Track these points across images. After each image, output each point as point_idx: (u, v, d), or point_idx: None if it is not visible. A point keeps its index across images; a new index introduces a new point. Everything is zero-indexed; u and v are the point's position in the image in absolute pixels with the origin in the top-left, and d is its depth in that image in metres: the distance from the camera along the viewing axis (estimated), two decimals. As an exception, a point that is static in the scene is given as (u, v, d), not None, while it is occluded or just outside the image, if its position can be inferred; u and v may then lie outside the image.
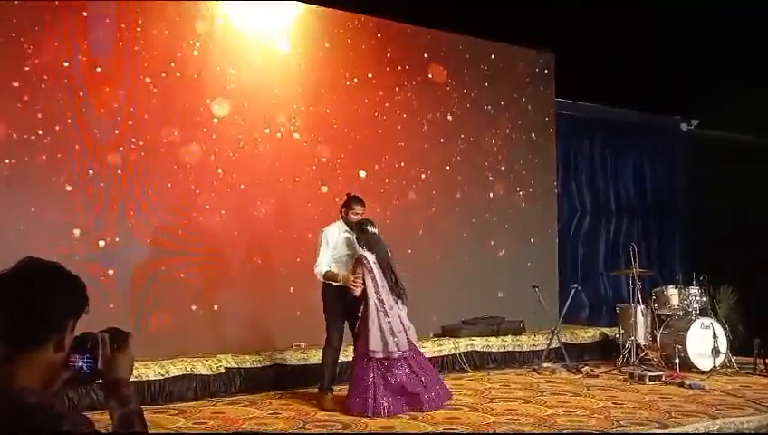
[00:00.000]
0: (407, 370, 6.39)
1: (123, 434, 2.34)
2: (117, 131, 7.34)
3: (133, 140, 7.42)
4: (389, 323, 6.37)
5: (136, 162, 7.42)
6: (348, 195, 6.93)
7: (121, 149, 7.35)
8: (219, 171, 7.91)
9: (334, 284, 6.62)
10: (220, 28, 8.01)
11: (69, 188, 7.07)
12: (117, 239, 7.31)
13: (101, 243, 7.21)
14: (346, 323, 6.75)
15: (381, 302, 6.41)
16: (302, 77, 8.55)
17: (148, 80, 7.51)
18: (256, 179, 8.15)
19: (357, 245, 6.67)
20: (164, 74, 7.61)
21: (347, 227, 6.77)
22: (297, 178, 8.34)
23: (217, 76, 7.96)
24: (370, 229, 6.61)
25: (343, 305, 6.64)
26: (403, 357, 6.39)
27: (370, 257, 6.49)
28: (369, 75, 9.00)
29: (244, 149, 8.07)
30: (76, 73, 7.12)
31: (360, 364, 6.39)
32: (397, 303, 6.51)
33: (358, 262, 6.50)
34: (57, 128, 7.02)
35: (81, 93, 7.15)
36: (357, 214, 6.72)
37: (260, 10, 8.28)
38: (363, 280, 6.42)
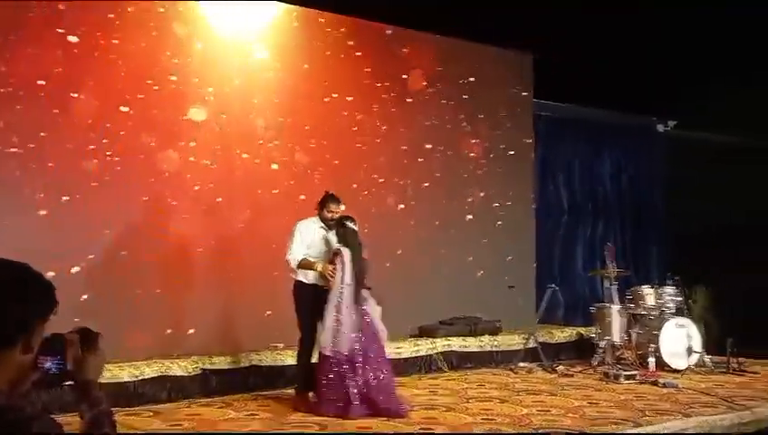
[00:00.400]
0: (369, 375, 6.28)
1: None
2: (92, 147, 7.31)
3: (108, 153, 7.38)
4: (342, 321, 6.29)
5: (112, 173, 7.39)
6: (326, 192, 6.93)
7: (95, 161, 7.32)
8: (196, 187, 7.91)
9: (307, 279, 6.65)
10: (198, 38, 7.97)
11: (43, 202, 7.01)
12: (93, 247, 7.27)
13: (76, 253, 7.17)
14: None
15: (340, 299, 6.35)
16: (281, 86, 8.53)
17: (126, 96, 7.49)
18: (233, 189, 8.15)
19: (333, 240, 6.68)
20: (141, 95, 7.58)
21: (322, 224, 6.78)
22: (275, 191, 8.32)
23: (195, 87, 7.92)
24: (350, 225, 6.62)
25: (316, 304, 6.59)
26: (362, 360, 6.29)
27: (347, 254, 6.47)
28: (346, 80, 9.00)
29: (221, 160, 8.05)
30: (51, 87, 7.09)
31: (320, 363, 6.35)
32: (363, 302, 6.45)
33: (336, 254, 6.50)
34: (32, 146, 6.98)
35: (55, 111, 7.11)
36: (332, 212, 6.75)
37: (237, 19, 8.24)
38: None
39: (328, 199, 6.81)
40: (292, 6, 8.65)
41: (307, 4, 8.70)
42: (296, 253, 6.64)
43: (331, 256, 6.57)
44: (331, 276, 6.41)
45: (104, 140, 7.35)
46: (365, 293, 6.50)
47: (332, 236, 6.79)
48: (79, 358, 2.30)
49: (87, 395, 2.35)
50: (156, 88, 7.66)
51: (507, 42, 10.25)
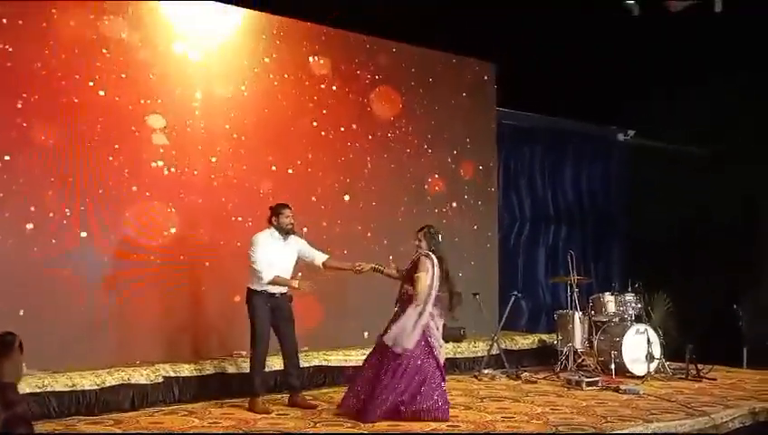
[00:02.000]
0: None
1: None
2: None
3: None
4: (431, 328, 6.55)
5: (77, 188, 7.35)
6: (270, 207, 7.00)
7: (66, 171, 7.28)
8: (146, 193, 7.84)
9: (259, 286, 6.74)
10: (156, 41, 7.93)
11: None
12: (65, 247, 7.25)
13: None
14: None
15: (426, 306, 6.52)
16: (244, 94, 8.52)
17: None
18: (204, 195, 8.14)
19: (303, 249, 6.86)
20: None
21: (279, 234, 6.86)
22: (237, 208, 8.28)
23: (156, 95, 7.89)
24: (440, 238, 6.79)
25: (272, 310, 6.80)
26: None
27: (435, 261, 6.61)
28: (306, 83, 8.99)
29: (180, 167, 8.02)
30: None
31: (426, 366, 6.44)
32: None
33: (427, 257, 6.60)
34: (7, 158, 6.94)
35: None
36: (288, 217, 6.88)
37: (197, 28, 8.20)
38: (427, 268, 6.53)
39: (279, 207, 6.94)
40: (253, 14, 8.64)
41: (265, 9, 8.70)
42: (264, 265, 6.70)
43: (414, 261, 6.68)
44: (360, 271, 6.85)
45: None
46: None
47: (299, 245, 6.89)
48: None
49: (2, 397, 2.34)
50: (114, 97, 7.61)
51: (470, 50, 10.34)
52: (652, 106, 11.05)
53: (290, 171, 8.77)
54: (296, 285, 6.73)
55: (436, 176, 10.16)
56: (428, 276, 6.51)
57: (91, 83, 7.44)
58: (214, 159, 8.21)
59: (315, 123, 9.01)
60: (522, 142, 11.99)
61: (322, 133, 9.09)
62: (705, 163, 12.04)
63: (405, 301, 6.62)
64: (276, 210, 6.92)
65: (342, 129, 9.26)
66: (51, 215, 7.19)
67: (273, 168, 8.65)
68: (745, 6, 9.09)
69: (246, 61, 8.53)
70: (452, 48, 10.22)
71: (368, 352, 6.87)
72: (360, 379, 6.57)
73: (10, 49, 7.00)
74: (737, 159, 11.30)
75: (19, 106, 7.03)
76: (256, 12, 8.61)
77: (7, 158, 6.96)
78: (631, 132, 13.07)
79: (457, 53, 10.38)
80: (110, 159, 7.53)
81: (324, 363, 8.15)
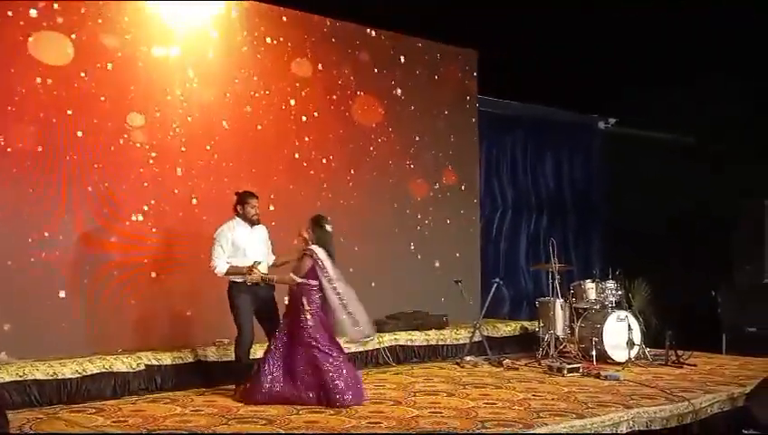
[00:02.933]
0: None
1: None
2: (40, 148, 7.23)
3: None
4: (353, 312, 6.56)
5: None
6: (237, 193, 6.97)
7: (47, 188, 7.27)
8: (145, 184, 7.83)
9: (238, 280, 6.71)
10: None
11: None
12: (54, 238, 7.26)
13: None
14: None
15: (339, 294, 6.54)
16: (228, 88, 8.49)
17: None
18: (185, 183, 8.13)
19: (264, 236, 6.83)
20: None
21: (243, 223, 6.85)
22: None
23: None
24: (328, 227, 6.72)
25: (255, 301, 6.80)
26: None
27: (321, 253, 6.55)
28: (285, 76, 8.96)
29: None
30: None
31: (329, 358, 6.46)
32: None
33: (306, 256, 6.56)
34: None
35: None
36: (254, 207, 6.87)
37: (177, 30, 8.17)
38: (313, 274, 6.51)
39: (246, 196, 6.91)
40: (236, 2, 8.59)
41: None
42: (219, 261, 6.75)
43: (301, 256, 6.62)
44: (253, 281, 6.62)
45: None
46: None
47: (266, 235, 6.93)
48: None
49: None
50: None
51: (452, 38, 10.33)
52: (633, 94, 11.10)
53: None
54: (245, 273, 6.66)
55: (418, 164, 10.16)
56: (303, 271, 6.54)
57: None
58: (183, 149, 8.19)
59: (301, 109, 8.99)
60: (503, 130, 12.02)
61: (303, 118, 9.09)
62: (686, 151, 12.14)
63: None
64: (242, 199, 6.88)
65: (330, 120, 9.25)
66: (32, 196, 7.18)
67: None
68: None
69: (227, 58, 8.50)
70: (434, 35, 10.21)
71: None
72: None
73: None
74: (717, 148, 11.41)
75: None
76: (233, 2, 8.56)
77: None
78: (612, 120, 13.14)
79: (438, 41, 10.37)
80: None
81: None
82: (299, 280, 6.53)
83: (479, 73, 10.89)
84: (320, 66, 9.20)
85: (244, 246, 6.81)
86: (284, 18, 8.95)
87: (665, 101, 10.94)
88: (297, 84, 9.00)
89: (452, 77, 10.62)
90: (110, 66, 7.65)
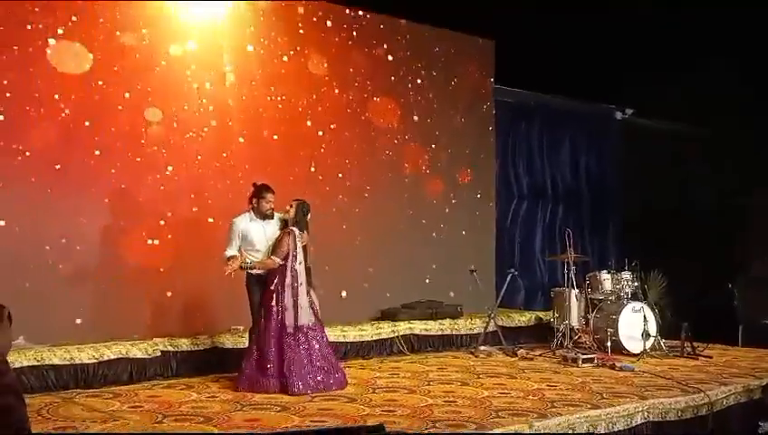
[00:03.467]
0: (315, 345, 6.57)
1: None
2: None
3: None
4: (298, 297, 6.51)
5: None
6: (254, 184, 6.93)
7: (58, 167, 7.31)
8: (169, 168, 7.94)
9: (255, 271, 6.71)
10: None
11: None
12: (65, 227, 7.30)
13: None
14: None
15: (295, 277, 6.52)
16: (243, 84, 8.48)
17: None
18: (201, 172, 8.17)
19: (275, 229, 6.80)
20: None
21: (256, 217, 6.82)
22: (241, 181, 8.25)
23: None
24: (308, 218, 6.77)
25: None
26: (308, 332, 6.56)
27: (297, 234, 6.61)
28: (303, 59, 8.96)
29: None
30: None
31: (279, 341, 6.45)
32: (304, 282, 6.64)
33: (287, 234, 6.57)
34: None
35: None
36: (269, 202, 6.81)
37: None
38: (283, 252, 6.52)
39: (262, 190, 6.85)
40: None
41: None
42: (227, 250, 6.75)
43: (281, 236, 6.62)
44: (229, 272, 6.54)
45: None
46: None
47: (274, 227, 6.85)
48: None
49: None
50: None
51: (469, 27, 10.29)
52: (651, 84, 11.02)
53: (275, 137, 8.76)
54: (226, 269, 6.61)
55: (434, 153, 10.15)
56: (281, 260, 6.53)
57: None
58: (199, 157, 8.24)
59: (317, 102, 8.98)
60: (520, 120, 11.96)
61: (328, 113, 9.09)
62: (702, 142, 12.05)
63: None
64: (258, 192, 6.84)
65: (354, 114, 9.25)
66: (49, 191, 7.23)
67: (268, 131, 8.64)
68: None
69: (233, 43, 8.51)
70: (450, 25, 10.17)
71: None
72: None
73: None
74: (734, 138, 11.32)
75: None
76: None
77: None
78: (629, 111, 13.05)
79: (456, 30, 10.33)
80: (112, 132, 7.53)
81: (341, 339, 8.22)
82: (280, 262, 6.53)
83: (496, 63, 10.85)
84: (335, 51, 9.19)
85: (255, 240, 6.78)
86: (301, 10, 8.94)
87: (683, 91, 10.85)
88: (312, 78, 9.01)
89: (468, 67, 10.58)
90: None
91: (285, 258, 6.54)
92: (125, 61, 7.68)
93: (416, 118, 9.97)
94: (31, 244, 7.09)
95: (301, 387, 6.36)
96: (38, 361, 6.42)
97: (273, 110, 8.69)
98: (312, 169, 8.92)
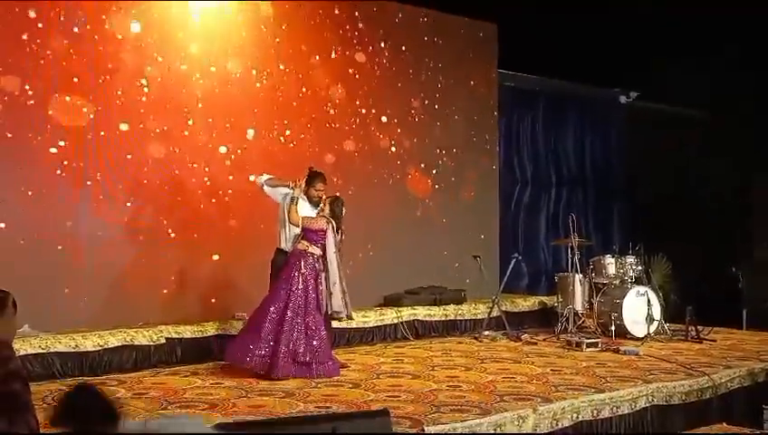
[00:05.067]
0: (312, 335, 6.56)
1: (1, 394, 2.32)
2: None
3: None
4: (327, 284, 6.60)
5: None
6: (310, 169, 6.90)
7: (67, 163, 7.32)
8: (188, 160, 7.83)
9: (286, 247, 6.75)
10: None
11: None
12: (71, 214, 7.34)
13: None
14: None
15: (325, 266, 6.61)
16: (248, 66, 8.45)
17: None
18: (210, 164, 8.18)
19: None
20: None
21: (307, 200, 6.81)
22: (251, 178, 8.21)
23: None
24: (343, 211, 6.79)
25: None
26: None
27: (333, 226, 6.67)
28: (303, 48, 8.91)
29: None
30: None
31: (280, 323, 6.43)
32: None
33: (323, 218, 6.64)
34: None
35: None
36: (318, 190, 6.81)
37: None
38: (320, 239, 6.59)
39: (314, 178, 6.82)
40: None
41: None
42: (267, 179, 6.84)
43: (319, 218, 6.66)
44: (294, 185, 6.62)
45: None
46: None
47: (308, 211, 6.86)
48: None
49: None
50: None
51: (471, 11, 10.23)
52: (655, 68, 10.97)
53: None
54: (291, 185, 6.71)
55: (438, 138, 10.12)
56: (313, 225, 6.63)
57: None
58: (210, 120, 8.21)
59: (323, 87, 8.96)
60: (523, 104, 11.93)
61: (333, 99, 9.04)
62: (706, 127, 12.01)
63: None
64: (310, 179, 6.81)
65: (357, 100, 9.22)
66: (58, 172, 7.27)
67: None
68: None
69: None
70: (452, 8, 10.12)
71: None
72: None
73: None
74: (738, 123, 11.27)
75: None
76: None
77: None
78: (633, 94, 13.00)
79: (458, 14, 10.28)
80: (121, 129, 7.53)
81: (345, 325, 8.20)
82: (300, 224, 6.57)
83: (499, 47, 10.80)
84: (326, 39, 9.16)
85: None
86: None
87: (688, 76, 10.81)
88: (314, 65, 8.98)
89: (472, 51, 10.53)
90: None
91: (319, 243, 6.58)
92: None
93: (418, 103, 9.93)
94: (36, 230, 7.10)
95: (281, 374, 6.31)
96: (43, 348, 6.44)
97: (283, 98, 8.68)
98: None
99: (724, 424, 6.50)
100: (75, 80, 7.34)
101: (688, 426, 6.31)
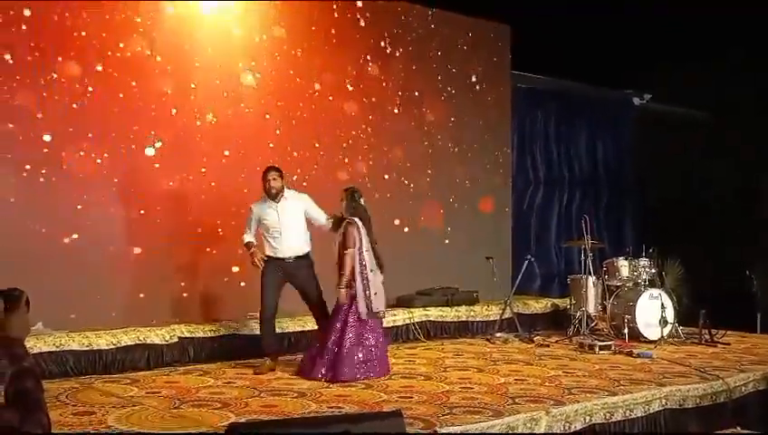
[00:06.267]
0: (376, 334, 6.61)
1: (14, 391, 2.34)
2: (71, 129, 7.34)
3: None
4: (371, 285, 6.54)
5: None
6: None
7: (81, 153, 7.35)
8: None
9: (270, 252, 6.79)
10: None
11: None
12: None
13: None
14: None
15: (364, 266, 6.55)
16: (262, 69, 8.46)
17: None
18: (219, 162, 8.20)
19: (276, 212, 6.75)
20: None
21: (268, 199, 6.80)
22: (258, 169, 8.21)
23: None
24: (362, 201, 6.74)
25: (276, 276, 6.77)
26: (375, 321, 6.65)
27: (360, 223, 6.62)
28: (313, 43, 8.93)
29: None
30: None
31: (345, 329, 6.47)
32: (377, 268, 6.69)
33: (349, 224, 6.58)
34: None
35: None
36: (269, 181, 6.74)
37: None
38: (354, 242, 6.53)
39: (265, 172, 6.82)
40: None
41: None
42: (245, 235, 6.87)
43: (346, 228, 6.60)
44: (254, 264, 6.71)
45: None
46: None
47: (302, 204, 6.85)
48: (2, 317, 2.33)
49: (8, 352, 2.37)
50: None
51: (485, 12, 10.22)
52: (670, 69, 10.92)
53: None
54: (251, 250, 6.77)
55: (450, 140, 10.11)
56: (355, 250, 6.55)
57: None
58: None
59: (333, 94, 8.97)
60: (536, 106, 11.90)
61: (330, 98, 9.06)
62: (720, 129, 11.94)
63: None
64: (263, 176, 6.82)
65: (365, 96, 9.23)
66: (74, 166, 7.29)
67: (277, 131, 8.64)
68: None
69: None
70: (466, 9, 10.11)
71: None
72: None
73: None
74: (750, 126, 11.22)
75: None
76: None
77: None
78: (647, 96, 12.95)
79: (471, 15, 10.26)
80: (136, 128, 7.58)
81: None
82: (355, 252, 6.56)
83: (512, 48, 10.78)
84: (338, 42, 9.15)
85: (270, 222, 6.78)
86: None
87: (702, 77, 10.76)
88: (324, 68, 8.98)
89: (485, 52, 10.51)
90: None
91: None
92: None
93: (431, 105, 9.91)
94: (48, 228, 7.13)
95: (346, 373, 6.35)
96: (57, 346, 6.46)
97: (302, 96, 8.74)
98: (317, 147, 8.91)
99: (739, 428, 6.47)
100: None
101: (702, 430, 6.27)
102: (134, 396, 5.78)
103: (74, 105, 7.29)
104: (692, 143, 11.94)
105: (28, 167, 7.06)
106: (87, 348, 6.61)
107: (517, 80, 11.14)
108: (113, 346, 6.74)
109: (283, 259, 6.79)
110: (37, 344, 6.35)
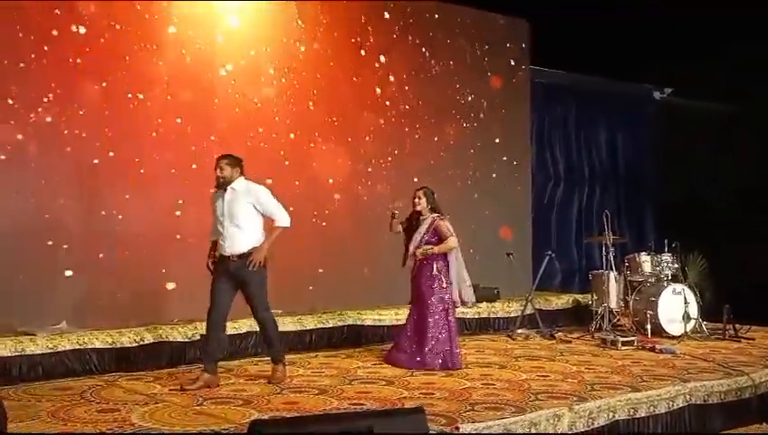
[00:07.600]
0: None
1: None
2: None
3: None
4: (466, 276, 7.09)
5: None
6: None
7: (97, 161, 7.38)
8: (197, 147, 7.87)
9: (222, 253, 6.14)
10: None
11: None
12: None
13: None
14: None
15: (456, 256, 6.99)
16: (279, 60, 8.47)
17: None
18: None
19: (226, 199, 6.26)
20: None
21: (217, 189, 6.17)
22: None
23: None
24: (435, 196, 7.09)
25: (224, 276, 6.14)
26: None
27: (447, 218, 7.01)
28: (329, 40, 8.94)
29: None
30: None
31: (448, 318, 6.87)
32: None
33: (439, 219, 6.95)
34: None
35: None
36: (215, 170, 6.09)
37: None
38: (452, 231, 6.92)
39: (218, 159, 6.15)
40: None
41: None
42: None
43: (438, 224, 6.91)
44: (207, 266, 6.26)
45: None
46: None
47: (250, 197, 6.06)
48: None
49: None
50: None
51: (503, 7, 10.18)
52: (691, 63, 10.82)
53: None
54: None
55: (470, 136, 10.08)
56: (455, 238, 6.92)
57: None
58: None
59: (353, 84, 8.98)
60: (555, 101, 11.85)
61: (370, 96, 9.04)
62: (743, 124, 11.83)
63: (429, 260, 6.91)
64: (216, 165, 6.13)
65: (378, 90, 9.23)
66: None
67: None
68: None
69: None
70: (485, 5, 10.07)
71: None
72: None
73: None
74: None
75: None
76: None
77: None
78: (668, 90, 12.84)
79: (491, 10, 10.22)
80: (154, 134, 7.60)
81: (378, 323, 8.30)
82: (456, 245, 6.93)
83: (531, 44, 10.73)
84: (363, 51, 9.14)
85: (217, 214, 6.15)
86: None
87: (723, 70, 10.65)
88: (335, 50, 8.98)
89: (504, 48, 10.48)
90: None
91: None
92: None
93: (449, 100, 9.89)
94: (71, 229, 7.18)
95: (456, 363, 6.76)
96: (80, 344, 6.51)
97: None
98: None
99: (764, 424, 6.40)
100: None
101: (727, 426, 6.23)
102: (157, 393, 5.80)
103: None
104: (714, 137, 11.83)
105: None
106: (110, 346, 6.65)
107: (536, 75, 11.09)
108: (136, 344, 6.78)
109: (227, 257, 6.09)
110: (61, 342, 6.40)
